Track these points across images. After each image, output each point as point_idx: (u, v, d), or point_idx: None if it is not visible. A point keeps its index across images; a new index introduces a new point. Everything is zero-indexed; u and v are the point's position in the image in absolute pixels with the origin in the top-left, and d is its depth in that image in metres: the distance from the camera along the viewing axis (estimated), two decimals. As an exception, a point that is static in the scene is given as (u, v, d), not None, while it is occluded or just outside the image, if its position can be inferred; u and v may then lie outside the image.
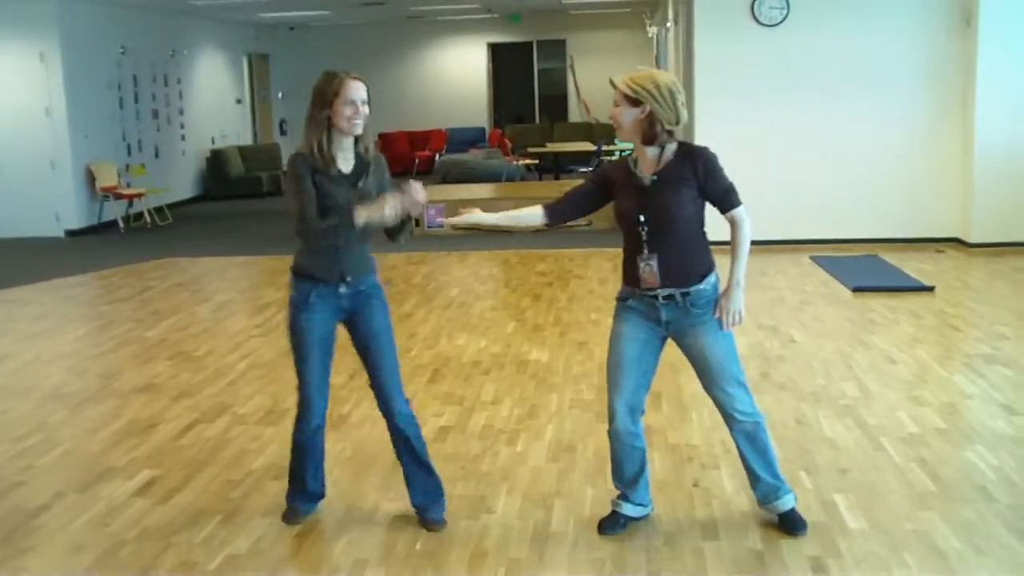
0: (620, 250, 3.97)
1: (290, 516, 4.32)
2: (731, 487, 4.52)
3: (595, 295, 8.70)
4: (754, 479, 4.10)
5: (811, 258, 9.92)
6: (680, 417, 5.43)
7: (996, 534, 3.98)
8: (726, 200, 3.84)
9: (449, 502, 4.43)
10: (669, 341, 4.01)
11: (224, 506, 4.50)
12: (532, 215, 4.10)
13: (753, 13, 10.51)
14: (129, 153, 15.47)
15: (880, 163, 10.56)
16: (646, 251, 3.82)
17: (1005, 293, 8.44)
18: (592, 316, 7.85)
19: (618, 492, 4.15)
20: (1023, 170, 10.18)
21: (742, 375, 3.99)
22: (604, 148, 18.15)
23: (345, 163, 4.00)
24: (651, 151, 3.84)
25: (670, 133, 3.81)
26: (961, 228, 10.54)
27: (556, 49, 22.71)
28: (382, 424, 5.43)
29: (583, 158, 18.31)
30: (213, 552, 4.06)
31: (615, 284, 9.13)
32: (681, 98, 3.81)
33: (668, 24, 15.61)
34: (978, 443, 4.98)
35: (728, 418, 4.01)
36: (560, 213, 4.09)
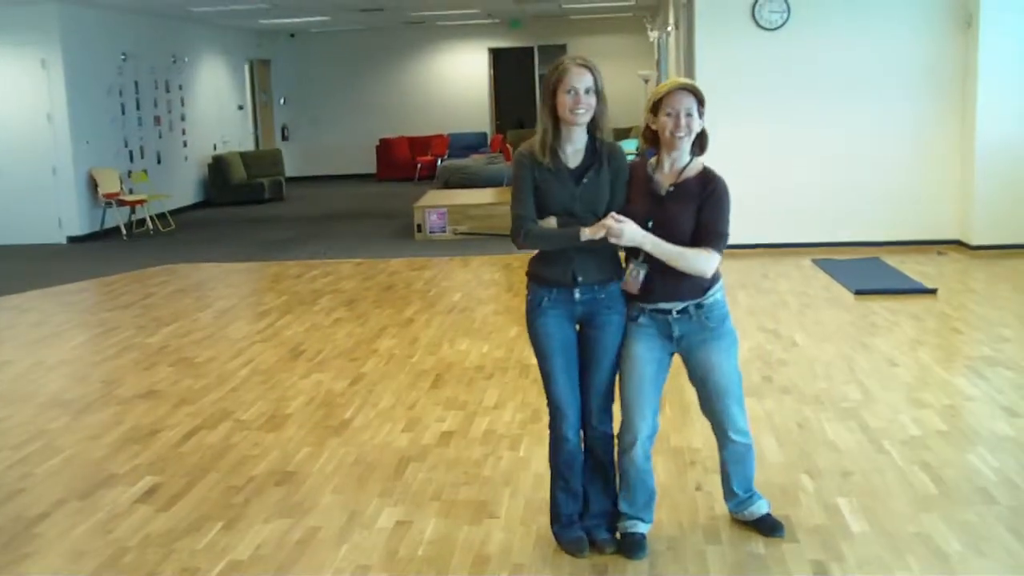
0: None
1: (577, 547, 3.96)
2: (733, 491, 4.51)
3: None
4: (729, 493, 4.15)
5: (813, 261, 9.90)
6: (682, 421, 5.42)
7: (998, 536, 3.98)
8: (709, 238, 3.73)
9: (451, 507, 4.44)
10: None
11: (226, 512, 4.50)
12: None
13: (754, 17, 10.50)
14: (131, 159, 15.47)
15: (881, 166, 10.55)
16: (642, 257, 3.75)
17: (1007, 295, 8.43)
18: (594, 320, 7.84)
19: (626, 516, 4.03)
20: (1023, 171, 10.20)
21: (742, 396, 4.00)
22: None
23: (574, 157, 3.78)
24: (681, 162, 3.79)
25: None
26: (963, 230, 10.53)
27: (557, 54, 22.52)
28: (384, 429, 5.50)
29: (584, 162, 18.28)
30: (215, 559, 4.06)
31: (617, 288, 9.14)
32: None
33: (669, 28, 15.61)
34: (980, 445, 4.97)
35: (723, 437, 4.02)
36: None
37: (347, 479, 4.84)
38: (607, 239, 3.65)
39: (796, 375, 6.24)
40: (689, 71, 11.10)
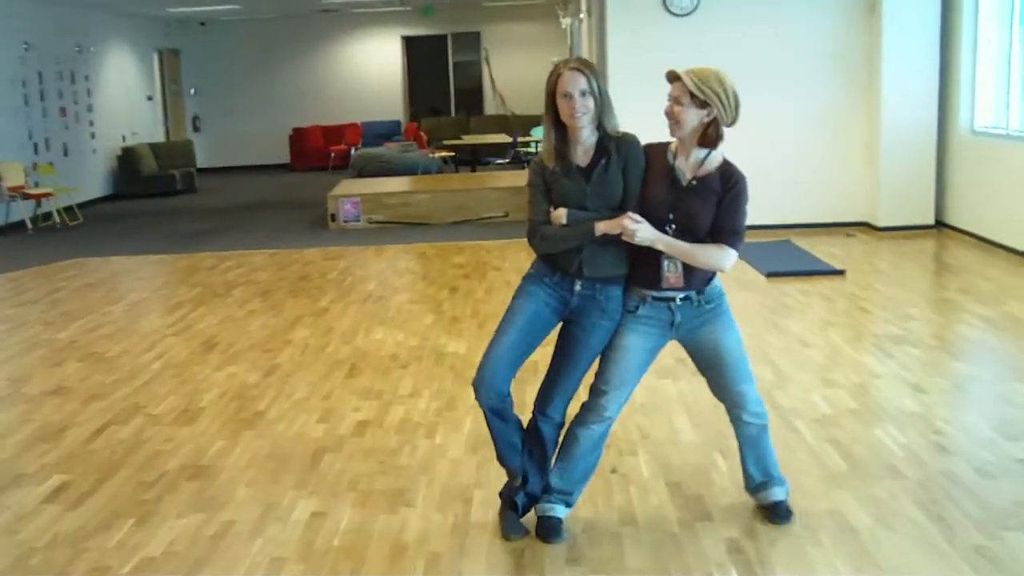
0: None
1: (507, 529, 4.01)
2: (648, 472, 4.56)
3: (513, 286, 8.57)
4: (745, 475, 4.12)
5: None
6: (598, 405, 5.44)
7: (905, 510, 4.06)
8: (725, 235, 3.71)
9: (368, 497, 4.42)
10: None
11: (137, 509, 4.42)
12: None
13: (664, 3, 10.59)
14: (36, 152, 15.12)
15: (791, 150, 10.71)
16: None
17: (912, 275, 8.64)
18: (510, 307, 7.84)
19: (547, 495, 4.00)
20: (928, 155, 10.43)
21: (751, 373, 3.96)
22: (520, 139, 18.21)
23: (584, 156, 3.76)
24: (699, 153, 3.75)
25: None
26: (870, 212, 10.75)
27: (471, 42, 22.69)
28: (298, 421, 5.45)
29: (500, 150, 18.34)
30: (126, 556, 3.98)
31: (533, 275, 9.16)
32: (739, 100, 3.73)
33: (581, 15, 15.67)
34: (887, 422, 5.08)
35: (736, 420, 4.01)
36: None
37: (261, 472, 4.78)
38: (621, 236, 3.65)
39: (710, 357, 6.30)
40: (601, 57, 11.14)
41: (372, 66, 22.47)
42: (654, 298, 3.80)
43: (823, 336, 6.73)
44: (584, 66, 3.72)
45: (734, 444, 4.79)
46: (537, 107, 20.20)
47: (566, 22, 19.12)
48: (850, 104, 10.67)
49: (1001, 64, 9.73)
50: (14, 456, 5.17)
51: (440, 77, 23.20)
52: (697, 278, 3.77)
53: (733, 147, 10.70)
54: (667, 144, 3.85)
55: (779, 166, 10.69)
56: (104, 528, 4.24)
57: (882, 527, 3.93)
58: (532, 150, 18.07)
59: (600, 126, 3.76)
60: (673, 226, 3.70)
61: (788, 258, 9.31)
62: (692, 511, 4.15)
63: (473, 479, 4.56)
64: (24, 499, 4.59)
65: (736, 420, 4.03)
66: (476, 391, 3.84)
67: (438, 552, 3.90)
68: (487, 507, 4.22)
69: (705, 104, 3.68)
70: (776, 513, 4.05)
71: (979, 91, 10.08)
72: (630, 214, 3.66)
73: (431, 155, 17.94)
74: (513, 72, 21.99)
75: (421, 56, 23.05)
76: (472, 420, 5.32)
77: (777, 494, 4.08)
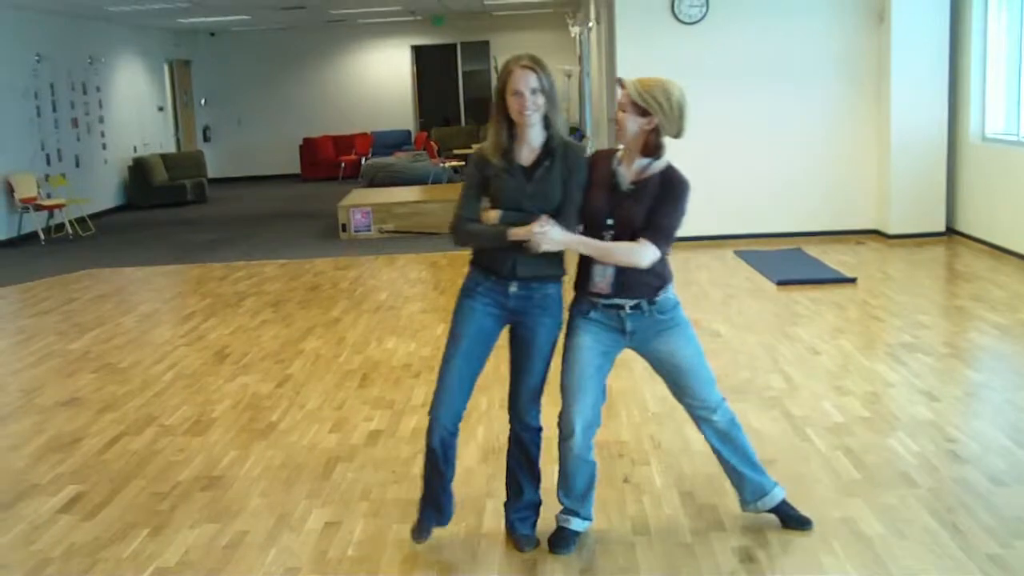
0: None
1: (417, 532, 4.02)
2: (661, 482, 4.56)
3: (524, 295, 8.69)
4: (738, 479, 4.06)
5: (735, 253, 10.04)
6: (609, 414, 5.44)
7: (918, 518, 4.06)
8: (647, 231, 3.65)
9: (380, 507, 4.43)
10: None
11: (152, 519, 4.44)
12: None
13: (673, 11, 10.60)
14: (48, 163, 15.19)
15: (800, 158, 10.72)
16: None
17: (923, 282, 8.62)
18: (521, 316, 7.85)
19: (563, 507, 4.03)
20: (936, 162, 10.41)
21: (710, 375, 3.96)
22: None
23: (529, 155, 3.74)
24: (642, 162, 3.72)
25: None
26: (880, 220, 10.73)
27: (480, 51, 22.72)
28: (311, 431, 5.47)
29: (509, 159, 18.33)
30: (141, 566, 4.00)
31: (543, 283, 9.19)
32: (687, 112, 3.69)
33: (590, 24, 15.70)
34: (900, 430, 5.07)
35: (701, 421, 3.99)
36: None
37: (274, 482, 4.80)
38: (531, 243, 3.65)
39: (720, 366, 6.28)
40: (610, 65, 11.17)
41: (382, 76, 22.52)
42: (604, 305, 3.79)
43: (835, 344, 6.73)
44: (535, 64, 3.70)
45: (746, 453, 4.82)
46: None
47: (575, 31, 19.18)
48: (860, 112, 10.67)
49: (1011, 70, 9.72)
50: (28, 467, 5.19)
51: (450, 86, 23.25)
52: (638, 285, 3.74)
53: (741, 154, 10.74)
54: (614, 151, 3.84)
55: (789, 174, 10.70)
56: (119, 538, 4.26)
57: (895, 535, 3.93)
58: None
59: (549, 125, 3.75)
60: (612, 232, 3.69)
61: (799, 266, 9.30)
62: (705, 520, 4.15)
63: (484, 489, 4.57)
64: (39, 509, 4.61)
65: (701, 421, 4.00)
66: (432, 425, 3.84)
67: (450, 561, 3.91)
68: (499, 517, 4.21)
69: (646, 113, 3.66)
70: (788, 516, 4.03)
71: (989, 98, 10.08)
72: (540, 220, 3.63)
73: (441, 164, 17.96)
74: (522, 81, 21.99)
75: (430, 65, 23.09)
76: (484, 430, 5.34)
77: (778, 495, 4.06)
